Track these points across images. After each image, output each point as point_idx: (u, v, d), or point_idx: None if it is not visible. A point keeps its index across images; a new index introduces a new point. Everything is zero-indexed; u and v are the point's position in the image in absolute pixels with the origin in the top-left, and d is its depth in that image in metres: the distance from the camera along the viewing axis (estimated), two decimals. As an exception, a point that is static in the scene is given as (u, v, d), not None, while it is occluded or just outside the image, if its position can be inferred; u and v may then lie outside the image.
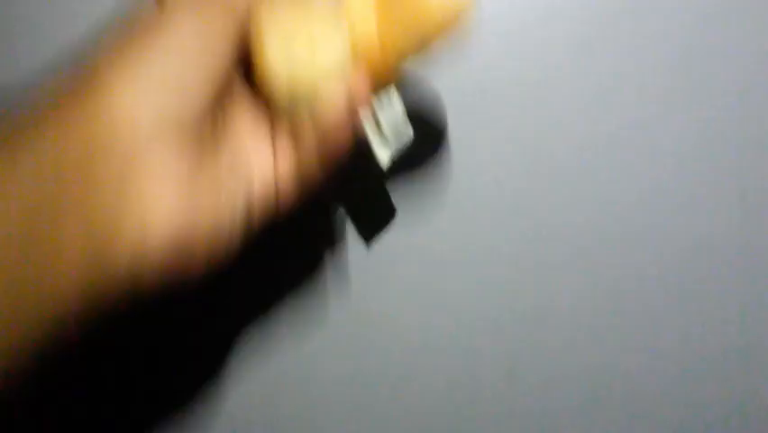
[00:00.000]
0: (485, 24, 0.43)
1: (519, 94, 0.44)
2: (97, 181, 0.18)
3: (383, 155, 0.27)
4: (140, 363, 0.32)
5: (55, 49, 0.44)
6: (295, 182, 0.23)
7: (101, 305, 0.19)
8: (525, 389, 0.48)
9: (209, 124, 0.20)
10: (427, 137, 0.28)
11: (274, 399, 0.35)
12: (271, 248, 0.32)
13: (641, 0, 0.43)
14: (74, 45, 0.22)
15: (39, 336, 0.18)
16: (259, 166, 0.22)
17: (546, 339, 0.48)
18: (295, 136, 0.22)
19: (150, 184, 0.18)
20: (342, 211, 0.30)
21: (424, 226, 0.40)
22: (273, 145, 0.23)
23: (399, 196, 0.41)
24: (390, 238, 0.39)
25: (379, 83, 0.22)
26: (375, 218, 0.36)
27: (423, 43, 0.22)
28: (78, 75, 0.19)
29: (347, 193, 0.29)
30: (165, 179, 0.18)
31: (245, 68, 0.22)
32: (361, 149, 0.26)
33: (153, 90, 0.18)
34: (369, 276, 0.39)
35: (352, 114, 0.22)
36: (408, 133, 0.27)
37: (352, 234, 0.37)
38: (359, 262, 0.39)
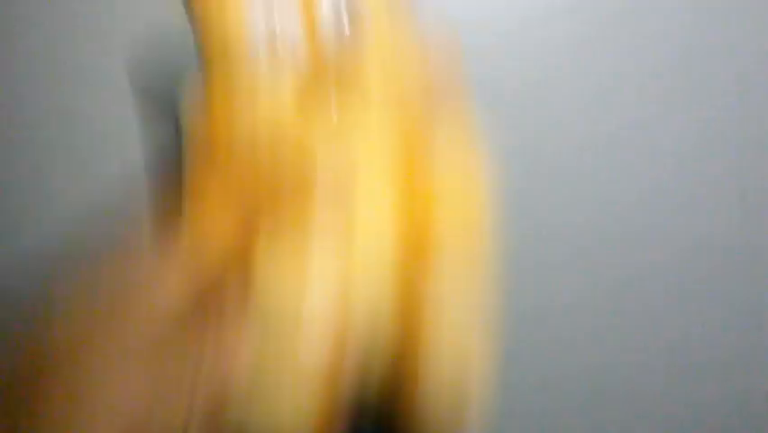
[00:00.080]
0: (485, 24, 0.43)
1: (519, 93, 0.44)
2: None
3: None
4: None
5: (55, 49, 0.44)
6: None
7: None
8: (524, 388, 0.48)
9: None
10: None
11: None
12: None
13: (641, 0, 0.43)
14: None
15: None
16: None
17: (545, 339, 0.48)
18: None
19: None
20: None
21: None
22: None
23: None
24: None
25: None
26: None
27: None
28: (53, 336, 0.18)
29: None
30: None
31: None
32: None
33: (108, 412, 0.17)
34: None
35: None
36: None
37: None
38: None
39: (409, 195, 0.22)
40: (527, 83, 0.43)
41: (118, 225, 0.22)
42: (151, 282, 0.19)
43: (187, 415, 0.19)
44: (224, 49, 0.21)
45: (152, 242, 0.21)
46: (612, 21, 0.43)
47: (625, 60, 0.43)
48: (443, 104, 0.23)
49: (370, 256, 0.21)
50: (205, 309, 0.19)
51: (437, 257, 0.22)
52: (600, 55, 0.43)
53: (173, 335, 0.18)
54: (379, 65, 0.21)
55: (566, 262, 0.46)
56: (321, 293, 0.20)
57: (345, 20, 0.20)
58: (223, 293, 0.20)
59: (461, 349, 0.21)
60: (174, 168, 0.23)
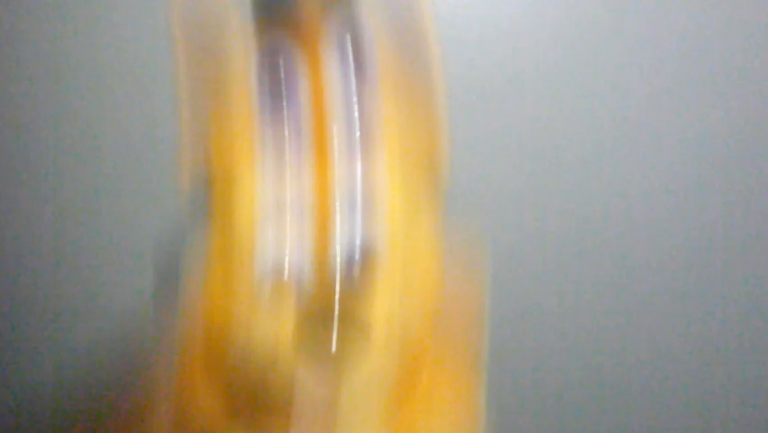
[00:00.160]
0: (486, 24, 0.42)
1: (519, 93, 0.44)
2: None
3: None
4: None
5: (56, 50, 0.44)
6: None
7: None
8: (524, 387, 0.48)
9: None
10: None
11: None
12: None
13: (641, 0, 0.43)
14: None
15: None
16: None
17: (543, 338, 0.48)
18: None
19: None
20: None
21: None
22: None
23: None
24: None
25: None
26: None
27: None
28: None
29: None
30: None
31: None
32: None
33: None
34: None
35: None
36: None
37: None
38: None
39: None
40: (528, 81, 0.43)
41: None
42: None
43: None
44: (229, 264, 0.22)
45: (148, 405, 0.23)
46: (613, 21, 0.43)
47: (625, 60, 0.43)
48: (452, 353, 0.25)
49: None
50: None
51: None
52: (601, 55, 0.43)
53: None
54: (386, 308, 0.21)
55: (564, 260, 0.46)
56: None
57: (357, 258, 0.21)
58: None
59: None
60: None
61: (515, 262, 0.46)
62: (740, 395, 0.48)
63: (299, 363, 0.21)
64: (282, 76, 0.21)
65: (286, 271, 0.21)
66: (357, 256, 0.21)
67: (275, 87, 0.21)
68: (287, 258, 0.21)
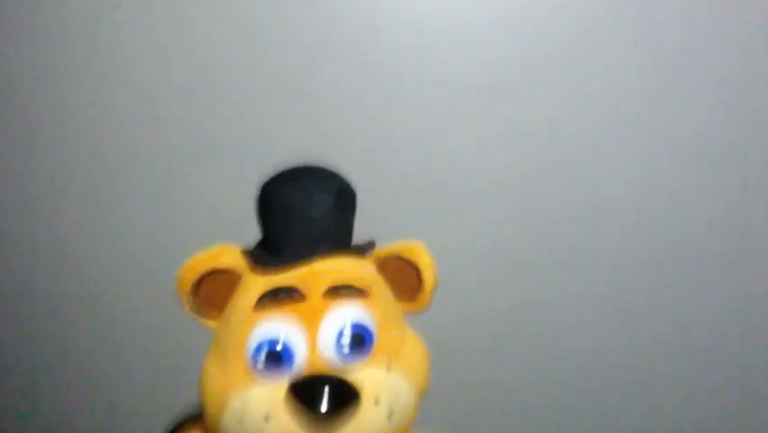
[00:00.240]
0: (487, 24, 0.42)
1: (520, 91, 0.44)
2: None
3: None
4: None
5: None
6: None
7: None
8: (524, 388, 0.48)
9: None
10: None
11: None
12: None
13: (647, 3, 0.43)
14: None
15: None
16: None
17: (540, 335, 0.48)
18: None
19: None
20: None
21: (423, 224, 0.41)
22: None
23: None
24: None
25: None
26: None
27: None
28: None
29: None
30: None
31: None
32: None
33: None
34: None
35: None
36: None
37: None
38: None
39: None
40: (528, 79, 0.43)
41: None
42: None
43: None
44: (224, 350, 0.24)
45: None
46: (613, 22, 0.43)
47: (625, 56, 0.43)
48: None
49: None
50: None
51: None
52: (602, 56, 0.43)
53: None
54: (374, 378, 0.23)
55: (562, 257, 0.46)
56: None
57: (348, 340, 0.23)
58: None
59: None
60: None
61: (511, 260, 0.46)
62: (740, 395, 0.48)
63: (292, 420, 0.22)
64: (280, 345, 0.23)
65: (277, 362, 0.23)
66: (347, 339, 0.23)
67: (272, 354, 0.23)
68: (281, 341, 0.23)
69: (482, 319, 0.47)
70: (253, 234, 0.27)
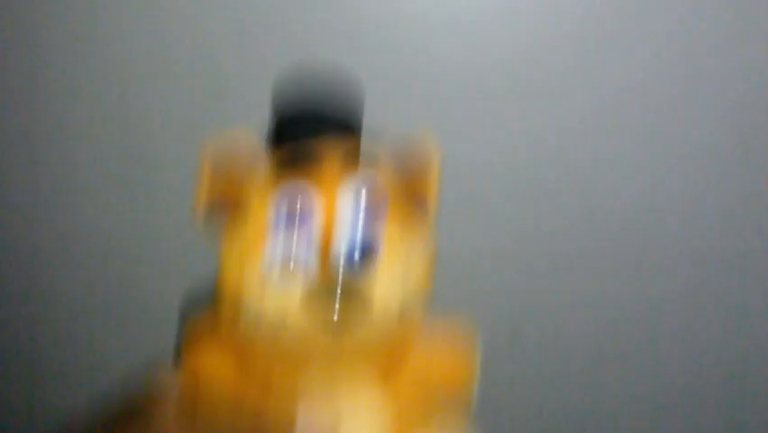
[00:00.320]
0: (489, 25, 0.42)
1: (525, 92, 0.44)
2: None
3: None
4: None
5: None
6: None
7: None
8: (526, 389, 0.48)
9: None
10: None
11: None
12: None
13: (645, 3, 0.43)
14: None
15: None
16: None
17: (544, 338, 0.48)
18: None
19: None
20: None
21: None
22: None
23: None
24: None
25: None
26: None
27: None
28: None
29: None
30: None
31: None
32: None
33: None
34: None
35: None
36: None
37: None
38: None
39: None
40: (533, 82, 0.43)
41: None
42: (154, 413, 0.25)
43: None
44: (241, 259, 0.24)
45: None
46: (615, 23, 0.43)
47: (631, 62, 0.43)
48: (443, 401, 0.27)
49: None
50: None
51: None
52: (606, 58, 0.43)
53: None
54: (384, 288, 0.24)
55: (567, 263, 0.46)
56: None
57: (357, 255, 0.23)
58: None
59: None
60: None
61: (512, 263, 0.46)
62: (741, 397, 0.48)
63: (305, 326, 0.22)
64: (298, 207, 0.23)
65: (292, 262, 0.23)
66: (358, 253, 0.24)
67: (290, 217, 0.23)
68: (293, 258, 0.23)
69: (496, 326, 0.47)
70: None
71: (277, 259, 0.23)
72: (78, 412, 0.27)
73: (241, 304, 0.23)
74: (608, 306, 0.48)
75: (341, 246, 0.23)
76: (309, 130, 0.25)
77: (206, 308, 0.26)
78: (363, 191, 0.24)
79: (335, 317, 0.22)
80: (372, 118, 0.28)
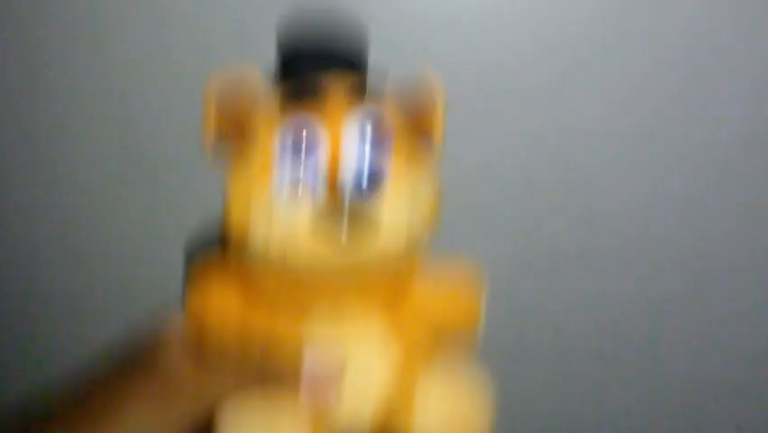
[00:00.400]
0: (492, 26, 0.42)
1: (530, 93, 0.44)
2: None
3: None
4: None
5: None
6: None
7: None
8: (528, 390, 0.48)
9: None
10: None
11: None
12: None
13: (648, 4, 0.43)
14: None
15: None
16: None
17: (547, 342, 0.48)
18: None
19: None
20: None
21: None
22: None
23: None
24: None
25: None
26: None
27: None
28: None
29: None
30: None
31: None
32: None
33: None
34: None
35: None
36: None
37: None
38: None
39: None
40: (538, 82, 0.43)
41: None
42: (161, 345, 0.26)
43: None
44: (249, 184, 0.24)
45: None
46: (618, 24, 0.43)
47: (633, 63, 0.43)
48: (448, 343, 0.27)
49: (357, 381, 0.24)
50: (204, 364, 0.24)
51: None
52: (607, 59, 0.43)
53: (177, 385, 0.24)
54: (392, 212, 0.23)
55: (569, 264, 0.46)
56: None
57: (364, 184, 0.23)
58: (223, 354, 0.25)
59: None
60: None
61: (514, 265, 0.46)
62: (744, 398, 0.48)
63: (313, 248, 0.22)
64: (303, 140, 0.23)
65: (299, 189, 0.23)
66: (364, 179, 0.24)
67: (296, 147, 0.23)
68: (301, 182, 0.23)
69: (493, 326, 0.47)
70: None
71: (284, 187, 0.23)
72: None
73: (248, 232, 0.23)
74: (609, 306, 0.48)
75: (347, 175, 0.23)
76: (315, 64, 0.25)
77: (211, 251, 0.26)
78: (369, 124, 0.24)
79: (343, 238, 0.22)
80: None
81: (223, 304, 0.25)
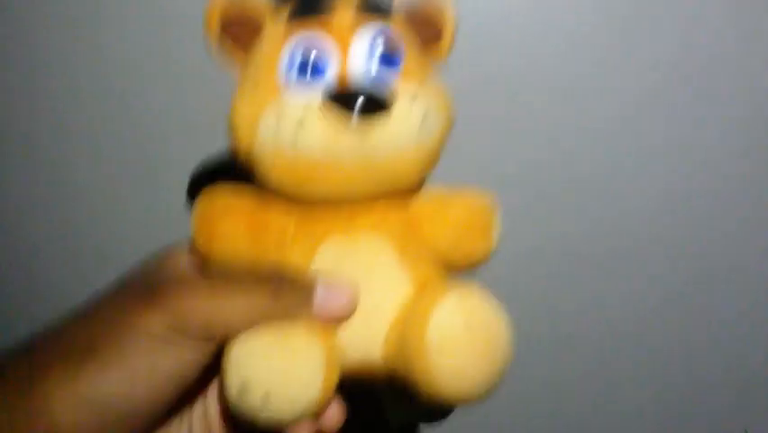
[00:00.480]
0: (495, 27, 0.42)
1: (535, 94, 0.43)
2: None
3: (394, 419, 0.28)
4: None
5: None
6: None
7: None
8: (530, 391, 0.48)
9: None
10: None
11: None
12: None
13: (659, 6, 0.42)
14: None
15: None
16: None
17: (552, 342, 0.48)
18: None
19: None
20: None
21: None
22: None
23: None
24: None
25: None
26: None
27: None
28: (30, 371, 0.21)
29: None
30: None
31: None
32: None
33: (90, 410, 0.20)
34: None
35: None
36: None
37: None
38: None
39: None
40: (544, 84, 0.43)
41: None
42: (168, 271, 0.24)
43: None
44: (256, 75, 0.24)
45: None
46: (630, 26, 0.43)
47: (646, 64, 0.43)
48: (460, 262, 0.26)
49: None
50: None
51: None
52: (620, 59, 0.43)
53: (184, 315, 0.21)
54: (406, 94, 0.23)
55: (573, 265, 0.46)
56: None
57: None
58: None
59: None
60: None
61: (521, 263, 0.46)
62: (747, 400, 0.48)
63: (325, 128, 0.21)
64: (311, 57, 0.23)
65: (308, 71, 0.22)
66: (379, 50, 0.23)
67: (303, 64, 0.23)
68: (313, 51, 0.23)
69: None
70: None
71: (294, 66, 0.22)
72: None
73: (255, 135, 0.22)
74: (619, 307, 0.48)
75: (362, 49, 0.23)
76: None
77: (216, 184, 0.25)
78: (379, 40, 0.23)
79: (354, 120, 0.21)
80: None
81: (231, 237, 0.24)
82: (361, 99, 0.21)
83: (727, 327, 0.47)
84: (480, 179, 0.44)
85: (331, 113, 0.21)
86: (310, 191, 0.23)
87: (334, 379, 0.21)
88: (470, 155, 0.45)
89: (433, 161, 0.24)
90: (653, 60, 0.43)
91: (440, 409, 0.26)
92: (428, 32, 0.25)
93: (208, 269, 0.24)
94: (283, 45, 0.23)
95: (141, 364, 0.20)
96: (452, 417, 0.26)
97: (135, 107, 0.46)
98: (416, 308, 0.22)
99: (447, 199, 0.26)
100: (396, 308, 0.23)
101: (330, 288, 0.22)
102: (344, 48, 0.23)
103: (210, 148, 0.45)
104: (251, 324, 0.21)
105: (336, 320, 0.22)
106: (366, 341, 0.23)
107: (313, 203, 0.23)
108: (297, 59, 0.23)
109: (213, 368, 0.22)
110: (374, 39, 0.23)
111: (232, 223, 0.24)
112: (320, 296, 0.22)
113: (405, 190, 0.24)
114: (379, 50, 0.23)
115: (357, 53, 0.23)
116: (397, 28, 0.24)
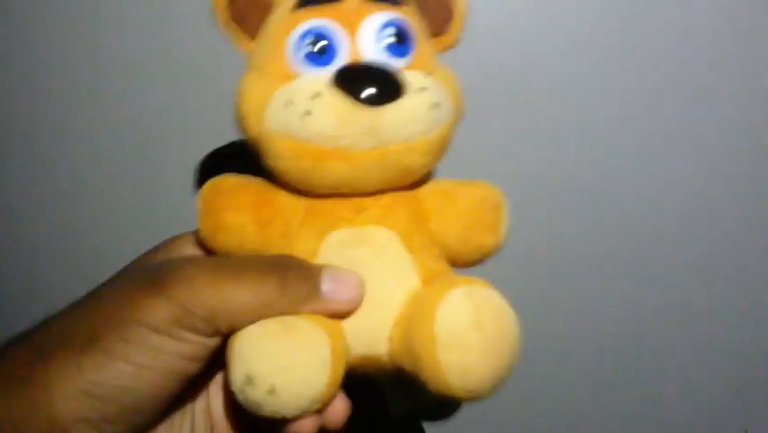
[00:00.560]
0: (496, 27, 0.42)
1: (540, 94, 0.43)
2: None
3: (396, 410, 0.28)
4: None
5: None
6: None
7: None
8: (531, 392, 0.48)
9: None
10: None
11: None
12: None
13: (662, 5, 0.42)
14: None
15: None
16: None
17: (552, 341, 0.48)
18: None
19: None
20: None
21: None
22: None
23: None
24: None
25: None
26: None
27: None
28: (30, 362, 0.20)
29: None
30: None
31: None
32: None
33: (90, 401, 0.19)
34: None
35: None
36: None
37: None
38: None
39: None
40: (548, 83, 0.43)
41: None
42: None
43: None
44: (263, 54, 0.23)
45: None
46: (632, 26, 0.43)
47: (648, 64, 0.43)
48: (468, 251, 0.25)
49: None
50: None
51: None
52: (622, 59, 0.42)
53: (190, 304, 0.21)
54: (419, 76, 0.23)
55: (573, 265, 0.46)
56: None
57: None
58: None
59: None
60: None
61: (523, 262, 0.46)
62: (751, 402, 0.48)
63: (336, 104, 0.21)
64: (320, 43, 0.22)
65: (317, 57, 0.22)
66: (389, 37, 0.23)
67: (312, 50, 0.22)
68: (323, 36, 0.22)
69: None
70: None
71: (306, 42, 0.22)
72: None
73: (263, 119, 0.22)
74: (618, 309, 0.48)
75: (371, 35, 0.22)
76: None
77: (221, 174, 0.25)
78: (390, 29, 0.23)
79: (364, 106, 0.21)
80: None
81: (236, 227, 0.23)
82: (371, 85, 0.21)
83: (727, 327, 0.47)
84: (480, 179, 0.44)
85: (341, 98, 0.21)
86: (318, 180, 0.22)
87: (340, 373, 0.21)
88: (469, 155, 0.45)
89: (442, 148, 0.24)
90: (653, 60, 0.43)
91: (446, 405, 0.25)
92: (438, 18, 0.25)
93: (214, 256, 0.24)
94: (292, 30, 0.23)
95: (144, 356, 0.20)
96: (451, 416, 0.26)
97: (135, 107, 0.46)
98: (422, 302, 0.21)
99: (455, 192, 0.25)
100: (402, 302, 0.22)
101: (336, 280, 0.22)
102: (353, 34, 0.22)
103: (210, 148, 0.45)
104: (256, 316, 0.20)
105: (342, 313, 0.22)
106: (371, 334, 0.22)
107: (320, 193, 0.23)
108: (307, 45, 0.22)
109: (216, 361, 0.22)
110: (384, 27, 0.23)
111: (236, 213, 0.23)
112: (326, 288, 0.21)
113: (412, 181, 0.24)
114: (390, 38, 0.23)
115: (366, 40, 0.23)
116: (408, 15, 0.24)
